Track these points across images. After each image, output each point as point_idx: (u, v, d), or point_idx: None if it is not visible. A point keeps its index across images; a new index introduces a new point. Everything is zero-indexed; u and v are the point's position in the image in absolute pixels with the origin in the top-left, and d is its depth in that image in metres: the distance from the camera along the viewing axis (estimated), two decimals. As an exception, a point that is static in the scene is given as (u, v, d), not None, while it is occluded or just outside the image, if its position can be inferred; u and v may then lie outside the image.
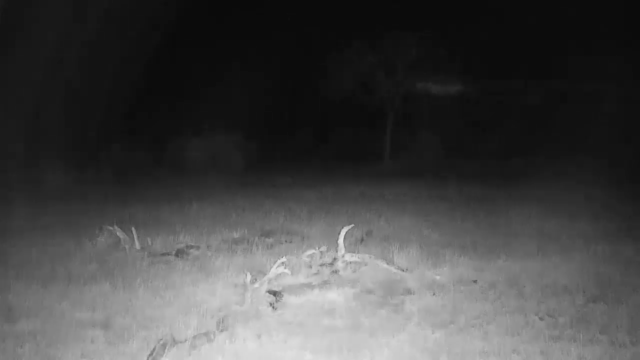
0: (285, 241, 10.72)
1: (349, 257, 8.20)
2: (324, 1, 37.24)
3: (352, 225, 9.36)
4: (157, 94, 37.22)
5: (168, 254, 9.42)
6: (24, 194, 17.56)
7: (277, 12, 38.33)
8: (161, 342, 5.60)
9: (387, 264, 8.32)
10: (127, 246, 9.43)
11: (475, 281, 8.00)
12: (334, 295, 7.26)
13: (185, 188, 20.27)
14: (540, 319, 6.59)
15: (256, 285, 7.14)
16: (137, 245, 9.52)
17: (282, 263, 7.53)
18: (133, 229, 9.75)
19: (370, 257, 8.40)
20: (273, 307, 6.80)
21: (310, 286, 7.50)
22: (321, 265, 8.12)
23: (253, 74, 38.57)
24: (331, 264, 8.07)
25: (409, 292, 7.55)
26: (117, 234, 9.63)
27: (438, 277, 8.08)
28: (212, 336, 5.97)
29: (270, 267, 7.71)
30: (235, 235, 11.24)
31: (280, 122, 41.14)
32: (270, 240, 10.72)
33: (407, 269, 8.39)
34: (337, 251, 8.33)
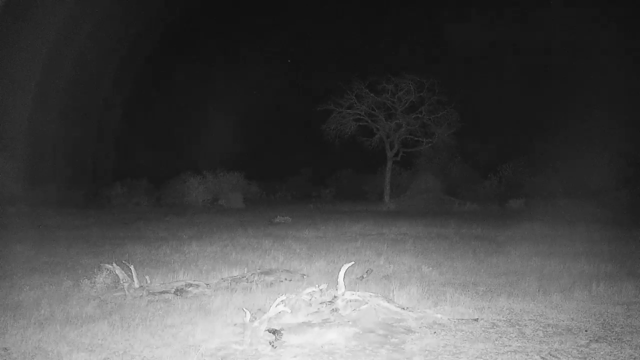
0: (285, 279, 10.67)
1: (349, 296, 8.13)
2: (324, 45, 37.80)
3: (353, 262, 9.32)
4: (156, 134, 37.49)
5: (167, 293, 9.35)
6: (21, 234, 17.58)
7: (278, 54, 38.88)
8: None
9: (388, 302, 8.26)
10: (126, 285, 9.37)
11: (476, 320, 7.94)
12: (334, 335, 7.18)
13: (185, 227, 20.27)
14: (543, 359, 6.52)
15: (255, 323, 7.08)
16: (136, 284, 9.47)
17: (282, 301, 7.48)
18: (132, 267, 9.71)
19: (370, 296, 8.34)
20: (273, 346, 6.73)
21: (310, 325, 7.42)
22: (321, 303, 8.05)
23: (253, 116, 38.96)
24: (331, 302, 8.00)
25: (409, 331, 7.48)
26: (116, 272, 9.58)
27: (439, 316, 8.02)
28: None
29: (270, 306, 7.66)
30: (235, 273, 11.21)
31: (280, 163, 41.39)
32: (269, 278, 10.66)
33: (407, 308, 8.33)
34: (337, 289, 8.27)
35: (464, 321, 7.91)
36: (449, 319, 7.98)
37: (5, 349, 6.66)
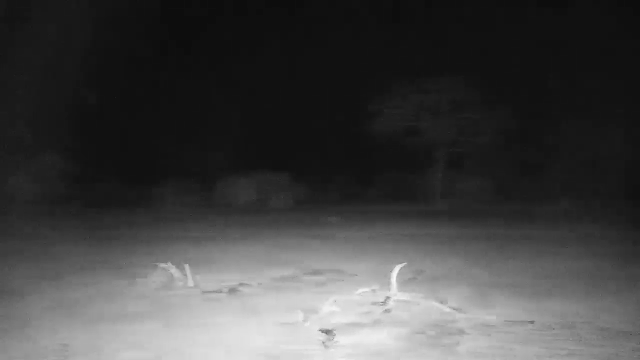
0: (335, 280, 10.69)
1: (400, 296, 8.12)
2: (371, 44, 37.63)
3: (405, 263, 9.29)
4: (206, 134, 37.92)
5: (219, 292, 9.47)
6: (76, 233, 18.02)
7: (326, 55, 38.87)
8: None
9: (439, 303, 8.20)
10: (180, 284, 9.52)
11: (532, 322, 7.81)
12: (385, 335, 7.16)
13: (235, 227, 20.47)
14: (599, 362, 6.39)
15: (307, 323, 7.12)
16: (190, 283, 9.61)
17: (334, 301, 7.49)
18: (187, 266, 9.86)
19: (421, 297, 8.31)
20: (325, 346, 6.75)
21: (361, 325, 7.43)
22: (372, 304, 8.05)
23: (301, 115, 39.07)
24: (382, 303, 7.99)
25: (461, 332, 7.41)
26: (171, 271, 9.74)
27: (491, 318, 7.93)
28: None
29: (321, 306, 7.69)
30: (285, 273, 11.28)
31: (329, 163, 41.40)
32: (320, 278, 10.70)
33: (459, 309, 8.25)
34: (388, 290, 8.26)
35: (516, 323, 7.80)
36: (501, 320, 7.88)
37: (65, 345, 6.84)
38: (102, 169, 36.56)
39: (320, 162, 41.32)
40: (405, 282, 10.38)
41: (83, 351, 6.65)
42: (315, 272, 11.26)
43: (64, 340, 7.02)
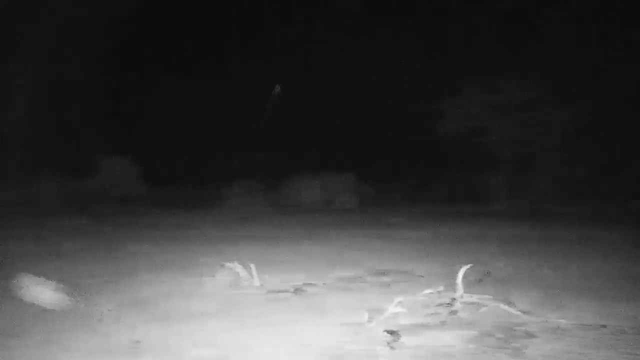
0: (400, 281, 10.62)
1: (467, 298, 8.01)
2: (437, 42, 37.18)
3: (471, 264, 9.16)
4: (271, 134, 38.27)
5: (285, 292, 9.55)
6: (146, 233, 18.49)
7: (391, 52, 38.64)
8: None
9: (507, 305, 8.05)
10: (246, 283, 9.65)
11: (604, 326, 7.58)
12: (452, 337, 7.08)
13: (300, 227, 20.60)
14: (678, 370, 6.14)
15: (373, 324, 7.10)
16: (256, 282, 9.73)
17: (399, 302, 7.45)
18: (252, 265, 9.98)
19: (489, 299, 8.17)
20: (390, 347, 6.72)
21: (427, 326, 7.36)
22: (438, 305, 7.97)
23: (366, 116, 38.96)
24: (449, 304, 7.91)
25: (531, 336, 7.24)
26: (237, 271, 9.88)
27: (562, 321, 7.72)
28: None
29: (386, 307, 7.66)
30: (350, 274, 11.28)
31: (394, 163, 41.16)
32: (385, 279, 10.66)
33: (528, 312, 8.08)
34: (454, 292, 8.16)
35: (587, 327, 7.57)
36: (572, 324, 7.67)
37: (137, 341, 7.02)
38: (171, 170, 37.40)
39: (385, 162, 41.12)
40: (471, 284, 10.23)
41: (154, 348, 6.81)
42: (380, 273, 11.22)
43: (136, 337, 7.21)
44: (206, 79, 38.43)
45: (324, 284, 10.13)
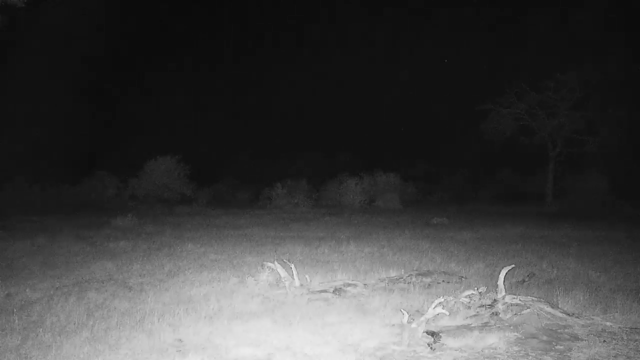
0: (443, 281, 10.55)
1: (509, 300, 7.90)
2: (483, 44, 36.78)
3: (513, 265, 9.04)
4: (315, 136, 38.36)
5: (326, 292, 9.58)
6: (192, 233, 18.72)
7: (436, 55, 38.40)
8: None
9: (552, 307, 7.92)
10: (287, 283, 9.71)
11: (652, 329, 7.40)
12: (495, 339, 7.01)
13: (343, 227, 20.61)
14: None
15: (414, 325, 7.08)
16: (297, 283, 9.78)
17: (440, 303, 7.41)
18: (293, 266, 10.03)
19: (533, 300, 8.05)
20: (431, 348, 6.69)
21: (469, 328, 7.30)
22: (480, 306, 7.89)
23: (409, 116, 38.79)
24: (491, 305, 7.82)
25: (576, 338, 7.13)
26: (279, 271, 9.94)
27: (609, 324, 7.57)
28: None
29: (428, 308, 7.61)
30: (392, 274, 11.25)
31: (438, 163, 40.89)
32: (427, 280, 10.59)
33: (573, 314, 7.94)
34: (497, 293, 8.07)
35: (636, 330, 7.41)
36: (619, 327, 7.51)
37: (180, 340, 7.13)
38: (218, 170, 37.85)
39: (430, 163, 40.87)
40: (516, 285, 10.12)
41: (198, 346, 6.92)
42: (423, 274, 11.15)
43: (181, 335, 7.33)
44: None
45: (366, 284, 10.12)
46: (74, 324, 7.79)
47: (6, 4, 15.86)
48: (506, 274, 8.44)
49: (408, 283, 10.33)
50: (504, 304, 7.83)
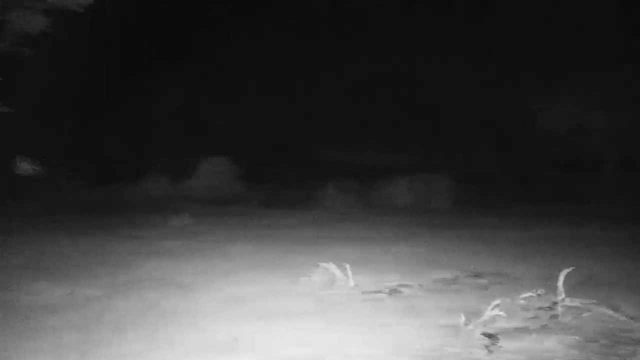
0: (498, 283, 10.39)
1: (569, 302, 7.74)
2: (535, 37, 36.03)
3: (573, 267, 8.85)
4: (365, 135, 38.26)
5: (379, 292, 9.54)
6: (243, 233, 18.90)
7: (484, 50, 37.83)
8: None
9: (613, 311, 7.72)
10: (341, 284, 9.71)
11: None
12: (553, 342, 6.86)
13: (394, 228, 20.49)
14: None
15: (470, 327, 6.99)
16: (351, 283, 9.77)
17: (497, 305, 7.30)
18: (347, 266, 10.03)
19: (593, 303, 7.86)
20: (489, 351, 6.59)
21: (527, 330, 7.17)
22: (538, 309, 7.75)
23: (460, 115, 38.31)
24: (549, 308, 7.67)
25: (637, 343, 6.91)
26: (332, 271, 9.95)
27: (674, 329, 7.33)
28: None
29: (483, 310, 7.51)
30: (446, 275, 11.12)
31: (489, 164, 40.30)
32: (481, 281, 10.45)
33: (635, 318, 7.72)
34: (555, 295, 7.91)
35: None
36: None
37: (234, 339, 7.19)
38: (269, 170, 38.07)
39: (480, 163, 40.30)
40: (574, 287, 9.86)
41: (252, 345, 6.96)
42: (477, 275, 11.01)
43: (234, 334, 7.39)
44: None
45: (419, 285, 10.05)
46: (131, 322, 7.95)
47: (66, 9, 16.37)
48: (565, 276, 8.28)
49: (462, 284, 10.22)
50: (563, 306, 7.67)
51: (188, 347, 6.87)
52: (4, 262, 12.86)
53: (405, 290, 9.69)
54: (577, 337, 7.01)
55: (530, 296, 8.01)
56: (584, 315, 7.53)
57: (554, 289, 8.20)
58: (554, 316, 7.57)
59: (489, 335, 6.94)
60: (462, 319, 7.07)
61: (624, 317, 7.62)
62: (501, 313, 7.26)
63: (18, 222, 21.81)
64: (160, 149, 36.27)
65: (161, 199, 34.18)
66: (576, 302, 7.82)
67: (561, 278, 8.11)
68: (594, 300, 8.11)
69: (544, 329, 7.21)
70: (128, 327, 7.66)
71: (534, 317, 7.65)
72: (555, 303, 7.82)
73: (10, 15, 16.08)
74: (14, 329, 7.49)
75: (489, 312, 7.17)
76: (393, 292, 9.56)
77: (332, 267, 10.06)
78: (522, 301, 7.95)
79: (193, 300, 9.29)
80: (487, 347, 6.69)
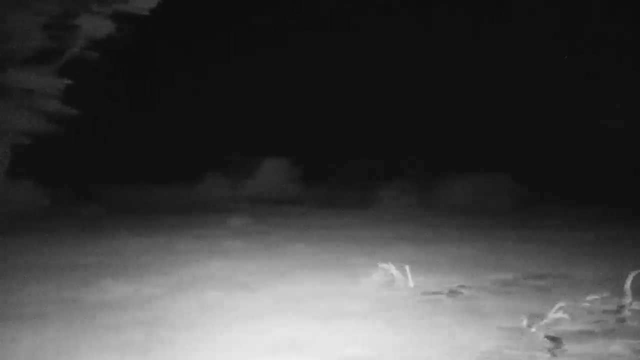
0: (561, 285, 10.17)
1: (636, 306, 7.51)
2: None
3: (641, 270, 8.60)
4: (425, 134, 37.94)
5: (440, 293, 9.46)
6: (301, 233, 19.00)
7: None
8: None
9: (684, 316, 7.47)
10: (400, 284, 9.67)
11: None
12: (620, 346, 6.66)
13: (454, 228, 20.29)
14: None
15: (532, 329, 6.86)
16: (411, 284, 9.72)
17: (561, 307, 7.15)
18: (407, 267, 9.98)
19: (662, 307, 7.62)
20: (552, 354, 6.45)
21: (592, 334, 6.99)
22: (604, 312, 7.55)
23: (520, 116, 37.57)
24: (616, 311, 7.46)
25: None
26: (391, 272, 9.92)
27: None
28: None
29: (546, 312, 7.37)
30: (507, 276, 10.95)
31: (549, 163, 39.42)
32: (543, 283, 10.25)
33: None
34: (622, 298, 7.70)
35: None
36: None
37: (292, 337, 7.23)
38: (327, 171, 38.15)
39: (541, 162, 39.44)
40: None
41: (309, 345, 6.99)
42: (539, 277, 10.80)
43: (291, 333, 7.44)
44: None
45: (479, 286, 9.92)
46: (193, 320, 8.09)
47: (132, 13, 16.84)
48: (633, 278, 8.06)
49: (523, 286, 10.05)
50: (630, 310, 7.45)
51: (248, 347, 6.94)
52: (69, 261, 13.29)
53: (465, 292, 9.59)
54: (645, 342, 6.81)
55: (596, 299, 7.80)
56: (653, 319, 7.31)
57: (620, 292, 7.98)
58: (621, 320, 7.36)
59: (553, 339, 6.80)
60: (524, 321, 6.94)
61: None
62: (565, 316, 7.11)
63: (82, 222, 22.50)
64: (220, 149, 36.83)
65: (221, 199, 34.72)
66: (644, 306, 7.60)
67: (629, 280, 7.89)
68: (663, 305, 7.85)
69: (610, 333, 7.02)
70: (190, 325, 7.80)
71: (600, 321, 7.45)
72: (622, 306, 7.61)
73: (79, 20, 16.59)
74: (80, 326, 7.71)
75: (552, 315, 7.02)
76: (453, 293, 9.47)
77: (391, 267, 10.02)
78: (586, 304, 7.76)
79: (253, 299, 9.39)
80: (550, 350, 6.55)
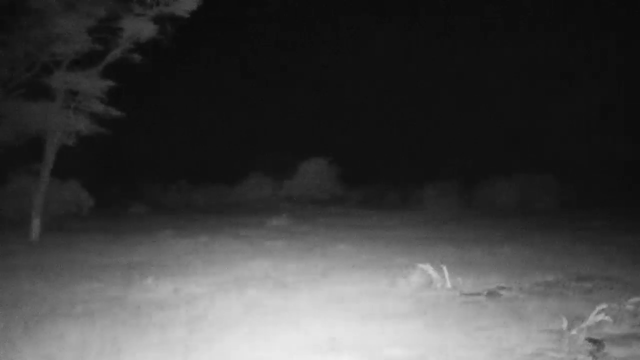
0: (604, 287, 9.99)
1: (681, 309, 7.37)
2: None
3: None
4: (465, 135, 37.63)
5: (479, 295, 9.40)
6: (344, 234, 19.05)
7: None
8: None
9: None
10: (439, 285, 9.64)
11: None
12: (665, 350, 6.55)
13: (495, 229, 20.09)
14: None
15: (574, 332, 6.78)
16: (449, 285, 9.68)
17: (603, 310, 7.04)
18: (445, 268, 9.94)
19: None
20: (594, 357, 6.37)
21: (635, 337, 6.88)
22: (647, 315, 7.42)
23: (567, 119, 36.92)
24: (660, 315, 7.34)
25: None
26: (430, 272, 9.89)
27: None
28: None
29: (588, 314, 7.27)
30: (549, 278, 10.82)
31: (596, 163, 38.67)
32: (587, 285, 10.09)
33: None
34: (667, 301, 7.56)
35: None
36: None
37: (334, 338, 7.27)
38: (368, 171, 38.21)
39: (587, 162, 38.72)
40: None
41: (351, 345, 7.02)
42: (582, 279, 10.64)
43: (334, 333, 7.47)
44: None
45: (521, 288, 9.82)
46: (234, 319, 8.19)
47: (174, 16, 17.11)
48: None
49: (566, 288, 9.90)
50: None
51: (288, 346, 7.01)
52: (114, 260, 13.59)
53: (505, 293, 9.50)
54: (690, 346, 6.68)
55: (639, 302, 7.67)
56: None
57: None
58: (664, 323, 7.24)
59: (594, 341, 6.71)
60: (565, 323, 6.85)
61: None
62: (607, 318, 6.99)
63: (127, 221, 22.96)
64: (261, 151, 37.13)
65: (262, 199, 35.01)
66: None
67: (673, 283, 7.74)
68: None
69: (654, 336, 6.91)
70: (231, 324, 7.90)
71: (643, 324, 7.34)
72: (666, 310, 7.48)
73: (122, 23, 16.91)
74: (124, 325, 7.89)
75: (593, 317, 6.92)
76: (492, 294, 9.40)
77: (429, 268, 10.00)
78: (630, 306, 7.63)
79: (293, 299, 9.46)
80: (592, 353, 6.47)
